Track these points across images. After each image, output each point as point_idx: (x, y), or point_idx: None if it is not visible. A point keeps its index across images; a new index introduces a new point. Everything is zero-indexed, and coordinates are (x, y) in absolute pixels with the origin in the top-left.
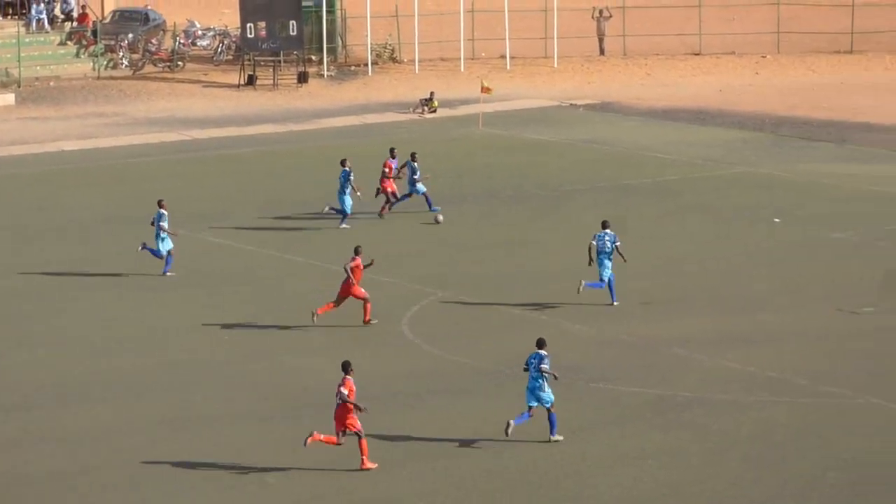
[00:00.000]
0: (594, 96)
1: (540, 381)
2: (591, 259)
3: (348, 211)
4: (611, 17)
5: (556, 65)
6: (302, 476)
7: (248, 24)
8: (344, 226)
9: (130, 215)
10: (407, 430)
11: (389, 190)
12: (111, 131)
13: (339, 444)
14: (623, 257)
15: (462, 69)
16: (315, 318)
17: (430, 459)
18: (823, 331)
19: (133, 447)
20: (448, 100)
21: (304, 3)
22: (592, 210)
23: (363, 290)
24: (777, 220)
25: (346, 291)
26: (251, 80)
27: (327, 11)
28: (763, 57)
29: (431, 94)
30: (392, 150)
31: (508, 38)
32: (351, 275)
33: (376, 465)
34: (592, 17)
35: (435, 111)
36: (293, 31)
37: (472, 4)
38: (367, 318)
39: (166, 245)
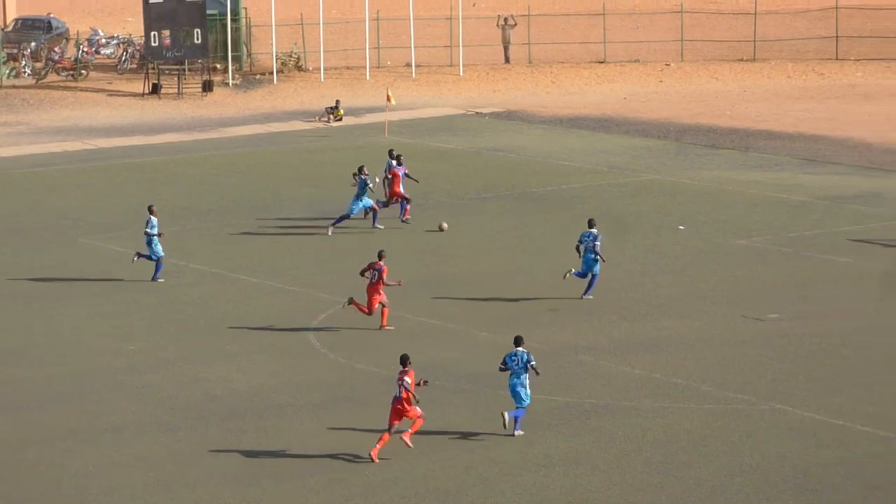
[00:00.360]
0: (499, 104)
1: (523, 377)
2: (580, 256)
3: (351, 215)
4: (516, 25)
5: (461, 73)
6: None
7: (153, 33)
8: (331, 231)
9: (32, 224)
10: (315, 440)
11: (399, 193)
12: (14, 140)
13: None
14: (602, 257)
15: (367, 77)
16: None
17: (337, 469)
18: (728, 337)
19: (39, 459)
20: (354, 108)
21: (208, 12)
22: (498, 218)
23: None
24: (681, 227)
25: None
26: (155, 89)
27: (232, 20)
28: (667, 65)
29: (337, 102)
30: (399, 158)
31: (414, 47)
32: (381, 279)
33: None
34: (497, 26)
35: (340, 119)
36: (198, 40)
37: (377, 13)
38: (384, 322)
39: (158, 250)
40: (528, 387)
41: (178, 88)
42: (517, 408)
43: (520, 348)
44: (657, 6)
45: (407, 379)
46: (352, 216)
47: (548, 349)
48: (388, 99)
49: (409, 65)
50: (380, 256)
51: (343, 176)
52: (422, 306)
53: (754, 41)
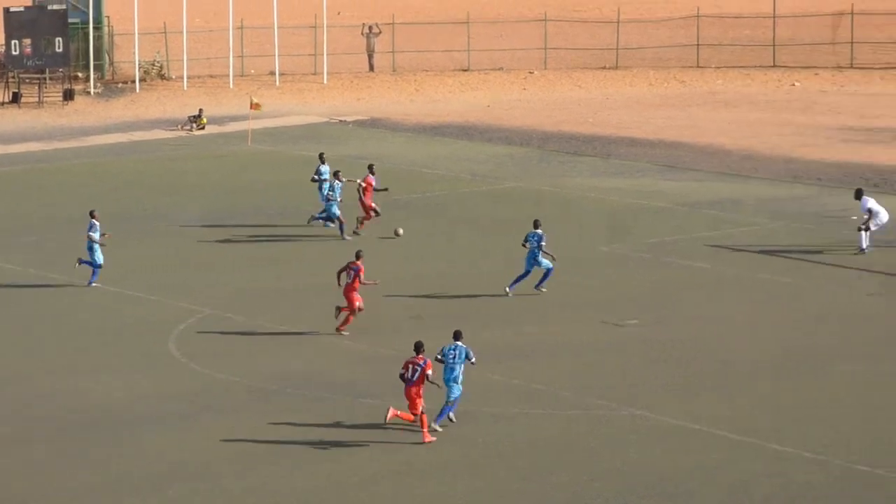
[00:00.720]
0: (363, 112)
1: (457, 371)
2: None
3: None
4: (380, 33)
5: (325, 81)
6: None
7: (13, 41)
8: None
9: None
10: (178, 450)
11: (370, 206)
12: None
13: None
14: (552, 257)
15: (231, 86)
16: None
17: (200, 479)
18: (589, 343)
19: None
20: (217, 116)
21: (70, 20)
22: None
23: (360, 299)
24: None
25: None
26: (16, 98)
27: (94, 28)
28: (530, 73)
29: (200, 110)
30: (371, 167)
31: (278, 55)
32: (357, 278)
33: (434, 438)
34: (362, 34)
35: (203, 128)
36: (59, 48)
37: (241, 21)
38: (342, 327)
39: (99, 256)
40: (461, 382)
41: (39, 97)
42: (447, 403)
43: (459, 342)
44: (521, 14)
45: (429, 371)
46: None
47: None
48: (254, 106)
49: (273, 73)
50: (357, 256)
51: (208, 185)
52: (285, 315)
53: (617, 49)
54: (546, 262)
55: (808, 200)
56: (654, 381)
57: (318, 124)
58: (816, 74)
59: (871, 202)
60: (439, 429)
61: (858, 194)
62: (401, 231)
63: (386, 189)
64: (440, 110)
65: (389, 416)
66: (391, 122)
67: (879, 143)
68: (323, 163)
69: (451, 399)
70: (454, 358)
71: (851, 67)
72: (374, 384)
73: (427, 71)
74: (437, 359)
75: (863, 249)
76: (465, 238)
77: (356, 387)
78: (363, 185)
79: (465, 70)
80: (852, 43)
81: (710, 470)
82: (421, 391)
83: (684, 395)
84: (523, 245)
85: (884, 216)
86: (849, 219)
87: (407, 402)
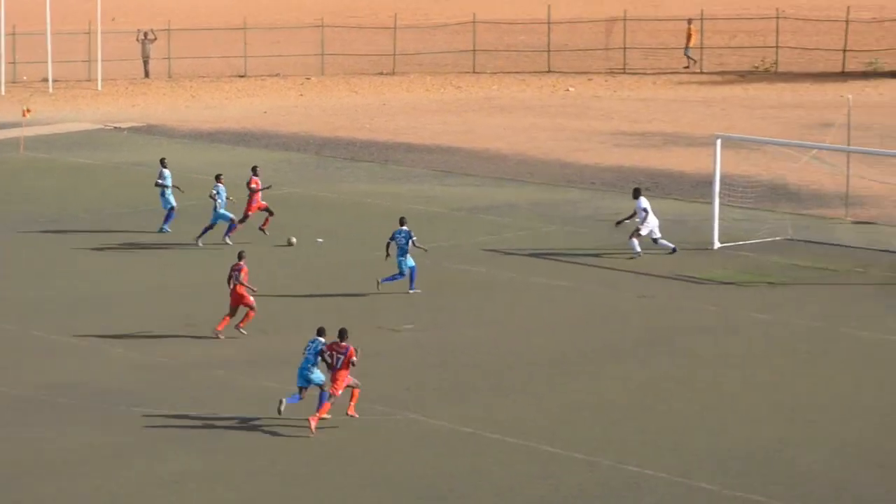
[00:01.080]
0: (139, 119)
1: (311, 363)
2: (387, 254)
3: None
4: (155, 39)
5: (100, 87)
6: None
7: None
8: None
9: None
10: None
11: (255, 208)
12: None
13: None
14: (423, 248)
15: (3, 92)
16: (220, 335)
17: None
18: (365, 348)
19: None
20: None
21: None
22: (140, 235)
23: (252, 298)
24: (320, 239)
25: (236, 300)
26: None
27: None
28: (308, 79)
29: None
30: (255, 168)
31: (51, 61)
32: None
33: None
34: (137, 40)
35: None
36: None
37: (13, 27)
38: (243, 323)
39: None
40: (314, 372)
41: None
42: (294, 394)
43: (320, 338)
44: (297, 20)
45: (354, 359)
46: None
47: (181, 364)
48: (25, 113)
49: (46, 80)
50: (240, 257)
51: None
52: (54, 325)
53: (394, 55)
54: (411, 261)
55: (583, 204)
56: (429, 386)
57: (92, 131)
58: (590, 80)
59: (646, 203)
60: (328, 417)
61: (636, 194)
62: (294, 240)
63: (269, 187)
64: (217, 117)
65: (313, 426)
66: (167, 128)
67: (651, 147)
68: (165, 167)
69: (319, 384)
70: (310, 351)
71: (624, 73)
72: (146, 393)
73: (204, 77)
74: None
75: (638, 253)
76: (243, 244)
77: (126, 396)
78: (253, 187)
79: (242, 76)
80: (625, 48)
81: (482, 473)
82: (346, 375)
83: (458, 398)
84: (386, 247)
85: (653, 221)
86: (623, 222)
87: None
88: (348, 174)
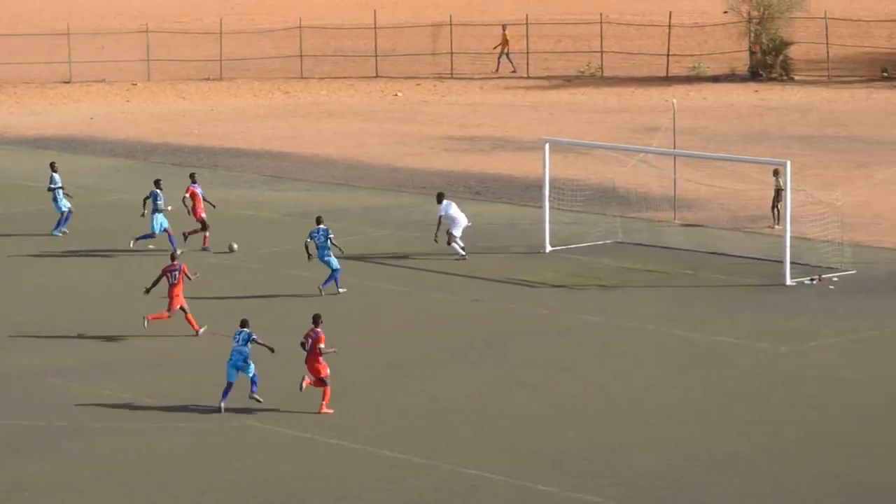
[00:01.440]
0: None
1: (241, 355)
2: (308, 255)
3: (157, 231)
4: None
5: None
6: None
7: None
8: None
9: None
10: None
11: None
12: None
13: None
14: (340, 249)
15: None
16: (147, 324)
17: None
18: (200, 355)
19: None
20: None
21: None
22: None
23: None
24: (151, 245)
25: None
26: None
27: None
28: (134, 84)
29: None
30: (193, 175)
31: None
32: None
33: (333, 411)
34: None
35: None
36: None
37: None
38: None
39: None
40: (248, 361)
41: None
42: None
43: (244, 329)
44: (122, 26)
45: (321, 346)
46: (156, 234)
47: (15, 373)
48: None
49: None
50: (172, 258)
51: None
52: None
53: (220, 60)
54: (334, 261)
55: (413, 209)
56: (264, 393)
57: None
58: (418, 85)
59: (452, 207)
60: (260, 399)
61: (440, 198)
62: (235, 246)
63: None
64: (42, 123)
65: (304, 384)
66: None
67: (480, 152)
68: (55, 171)
69: (250, 375)
70: (237, 342)
71: (452, 78)
72: None
73: (28, 83)
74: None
75: (464, 256)
76: (69, 251)
77: None
78: (187, 196)
79: (67, 82)
80: (451, 53)
81: (321, 478)
82: (320, 360)
83: (296, 404)
84: (305, 247)
85: (462, 220)
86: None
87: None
88: (178, 180)
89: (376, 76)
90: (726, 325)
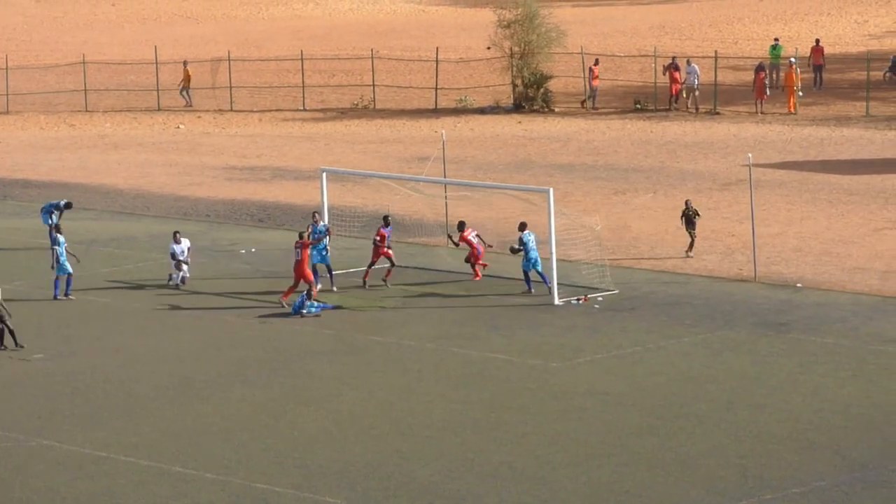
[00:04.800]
0: None
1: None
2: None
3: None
4: None
5: None
6: None
7: None
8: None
9: None
10: None
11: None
12: None
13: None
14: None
15: None
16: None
17: None
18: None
19: None
20: None
21: None
22: None
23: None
24: None
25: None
26: None
27: None
28: None
29: None
30: (386, 218)
31: None
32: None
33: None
34: None
35: None
36: None
37: None
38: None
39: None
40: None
41: None
42: None
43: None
44: None
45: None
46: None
47: None
48: None
49: None
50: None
51: None
52: None
53: (7, 94)
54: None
55: (200, 235)
56: (60, 412)
57: None
58: (199, 118)
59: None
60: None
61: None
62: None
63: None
64: None
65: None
66: None
67: (261, 181)
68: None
69: None
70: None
71: (231, 111)
72: None
73: None
74: None
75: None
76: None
77: None
78: (378, 238)
79: None
80: (231, 87)
81: (117, 495)
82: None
83: (90, 423)
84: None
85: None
86: (238, 251)
87: None
88: None
89: (159, 109)
90: (501, 342)
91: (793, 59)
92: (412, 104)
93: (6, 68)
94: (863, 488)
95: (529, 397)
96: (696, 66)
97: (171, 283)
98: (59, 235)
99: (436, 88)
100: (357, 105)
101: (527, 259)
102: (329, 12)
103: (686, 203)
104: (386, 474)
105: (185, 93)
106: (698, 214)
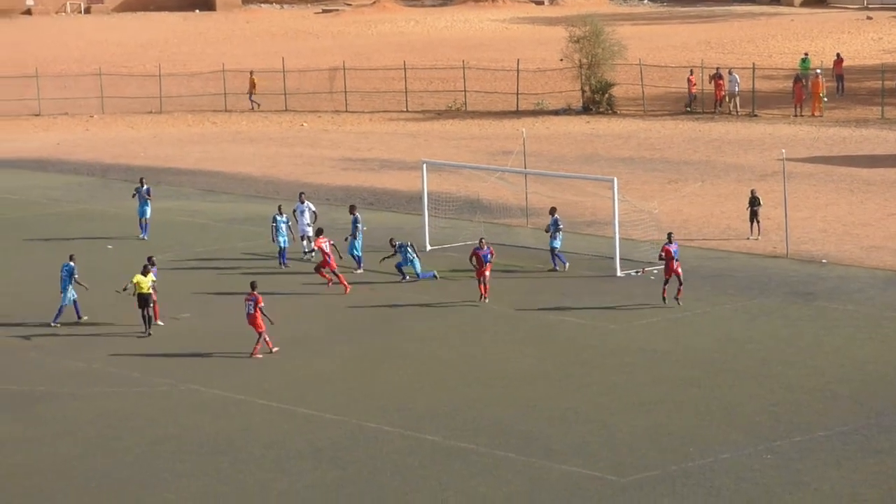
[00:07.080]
0: None
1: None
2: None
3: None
4: None
5: None
6: None
7: None
8: None
9: None
10: None
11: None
12: None
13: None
14: (84, 287)
15: None
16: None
17: None
18: (154, 333)
19: None
20: None
21: None
22: None
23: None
24: (110, 246)
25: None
26: None
27: None
28: (91, 117)
29: None
30: (481, 240)
31: None
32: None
33: (262, 356)
34: None
35: None
36: None
37: None
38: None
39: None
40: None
41: None
42: None
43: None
44: (80, 70)
45: (261, 305)
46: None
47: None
48: None
49: None
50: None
51: None
52: None
53: (160, 97)
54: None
55: (321, 216)
56: (208, 362)
57: None
58: (319, 117)
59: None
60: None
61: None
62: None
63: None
64: (17, 148)
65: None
66: None
67: (371, 171)
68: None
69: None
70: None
71: (346, 111)
72: None
73: (3, 117)
74: None
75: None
76: (43, 252)
77: None
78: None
79: (37, 115)
80: (346, 92)
81: (252, 430)
82: (258, 318)
83: (231, 372)
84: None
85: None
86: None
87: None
88: (129, 193)
89: (286, 110)
90: (569, 307)
91: (818, 70)
92: (497, 107)
93: (159, 75)
94: (878, 432)
95: (592, 353)
96: (737, 76)
97: (305, 257)
98: None
99: (517, 94)
100: (451, 107)
101: (553, 238)
102: (427, 29)
103: (752, 192)
104: (471, 417)
105: (252, 98)
106: (760, 203)
